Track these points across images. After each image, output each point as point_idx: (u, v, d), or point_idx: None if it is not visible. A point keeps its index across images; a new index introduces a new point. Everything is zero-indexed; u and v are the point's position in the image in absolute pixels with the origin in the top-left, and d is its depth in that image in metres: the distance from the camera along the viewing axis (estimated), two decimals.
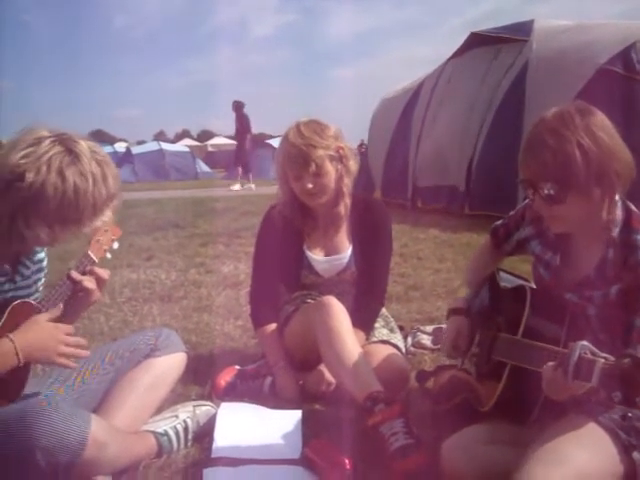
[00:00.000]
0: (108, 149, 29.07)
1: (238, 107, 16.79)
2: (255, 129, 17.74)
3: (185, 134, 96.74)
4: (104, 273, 2.08)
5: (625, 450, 1.66)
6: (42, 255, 2.14)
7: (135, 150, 27.70)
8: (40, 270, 2.14)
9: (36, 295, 2.10)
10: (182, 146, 33.93)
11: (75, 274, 2.03)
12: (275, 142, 21.25)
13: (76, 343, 1.97)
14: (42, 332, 1.91)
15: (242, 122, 16.91)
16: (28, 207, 1.81)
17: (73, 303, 2.05)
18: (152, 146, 28.73)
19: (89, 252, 2.11)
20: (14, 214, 1.82)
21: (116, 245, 2.23)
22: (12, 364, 1.83)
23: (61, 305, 1.99)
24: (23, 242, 1.89)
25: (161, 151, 27.11)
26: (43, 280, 2.17)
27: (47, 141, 1.84)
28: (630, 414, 1.64)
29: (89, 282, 2.04)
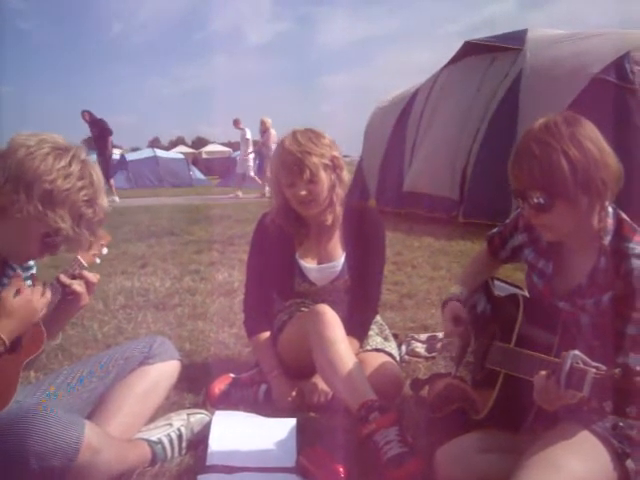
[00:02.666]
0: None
1: (89, 116, 15.99)
2: (251, 136, 17.59)
3: (180, 141, 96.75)
4: (93, 277, 2.08)
5: (618, 458, 1.67)
6: (31, 262, 2.14)
7: (130, 157, 27.67)
8: (29, 277, 2.14)
9: None
10: (177, 153, 33.93)
11: (64, 278, 2.03)
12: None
13: (39, 294, 1.95)
14: (12, 309, 1.88)
15: (98, 128, 16.07)
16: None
17: (63, 307, 2.05)
18: (147, 153, 28.72)
19: (79, 257, 2.12)
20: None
21: (105, 251, 2.23)
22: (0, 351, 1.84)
23: (48, 294, 1.97)
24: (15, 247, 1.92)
25: (155, 158, 27.09)
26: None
27: (71, 152, 1.91)
28: (621, 423, 1.65)
29: (78, 286, 2.04)
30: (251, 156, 17.08)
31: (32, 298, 1.92)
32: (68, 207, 1.89)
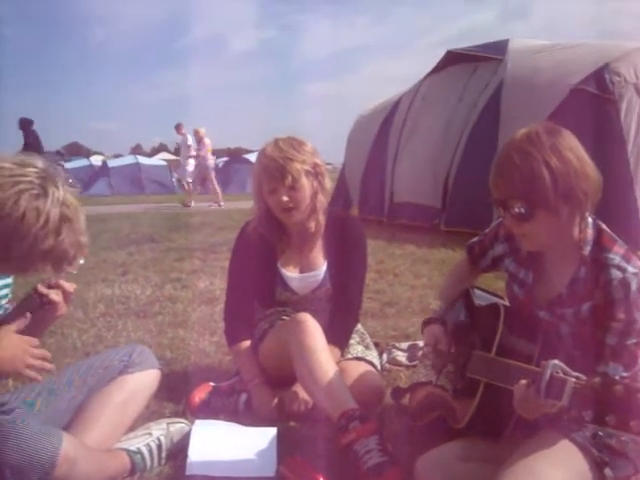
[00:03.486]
0: (84, 162, 28.94)
1: (25, 124, 15.26)
2: (232, 144, 17.59)
3: (162, 148, 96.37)
4: (70, 287, 2.06)
5: (597, 466, 1.68)
6: (7, 281, 2.12)
7: (111, 163, 27.53)
8: (6, 286, 2.11)
9: (2, 310, 2.08)
10: (159, 160, 33.80)
11: (41, 287, 2.01)
12: (252, 157, 21.26)
13: (42, 355, 1.93)
14: (9, 343, 1.87)
15: (31, 139, 15.28)
16: None
17: (39, 317, 2.03)
18: (129, 160, 28.57)
19: None
20: None
21: (82, 260, 2.20)
22: None
23: (28, 315, 1.95)
24: None
25: (138, 165, 26.96)
26: (10, 296, 2.14)
27: (31, 169, 1.82)
28: (600, 433, 1.65)
29: (55, 295, 2.01)
30: (190, 161, 16.83)
31: (26, 349, 1.89)
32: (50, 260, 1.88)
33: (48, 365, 1.95)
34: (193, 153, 16.74)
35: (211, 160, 17.02)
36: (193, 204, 16.90)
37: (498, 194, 1.84)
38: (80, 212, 1.92)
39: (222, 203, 16.72)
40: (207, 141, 16.60)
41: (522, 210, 1.79)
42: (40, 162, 1.87)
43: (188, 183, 17.40)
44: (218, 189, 17.33)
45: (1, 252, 1.81)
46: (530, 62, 8.13)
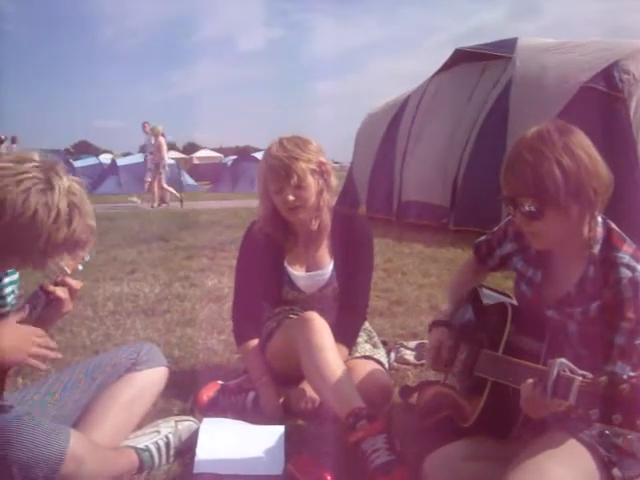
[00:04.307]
0: (93, 160, 29.00)
1: None
2: (241, 142, 17.54)
3: (171, 146, 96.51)
4: (76, 284, 2.07)
5: (605, 466, 1.68)
6: (11, 278, 2.13)
7: (120, 162, 27.57)
8: (13, 282, 2.12)
9: (9, 307, 2.09)
10: (168, 158, 33.81)
11: (47, 284, 2.02)
12: (260, 155, 21.23)
13: (46, 344, 1.95)
14: (12, 334, 1.88)
15: None
16: None
17: (46, 313, 2.04)
18: (138, 158, 28.58)
19: (61, 263, 2.10)
20: None
21: (88, 257, 2.21)
22: None
23: (27, 306, 1.96)
24: None
25: (147, 163, 26.99)
26: (16, 292, 2.15)
27: (31, 164, 1.81)
28: (607, 431, 1.65)
29: (62, 292, 2.02)
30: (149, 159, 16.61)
31: (30, 338, 1.91)
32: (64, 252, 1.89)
33: (52, 353, 1.97)
34: (149, 151, 16.61)
35: (165, 159, 16.64)
36: (159, 204, 16.60)
37: (508, 192, 1.84)
38: (85, 196, 1.92)
39: (155, 205, 16.41)
40: (161, 140, 16.31)
41: (532, 208, 1.78)
42: (36, 154, 1.87)
43: (146, 181, 17.21)
44: (169, 189, 17.10)
45: (17, 251, 1.83)
46: (539, 60, 8.10)
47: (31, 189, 1.76)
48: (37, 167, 1.82)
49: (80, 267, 2.16)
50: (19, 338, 1.89)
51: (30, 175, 1.78)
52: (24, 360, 1.91)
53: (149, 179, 16.92)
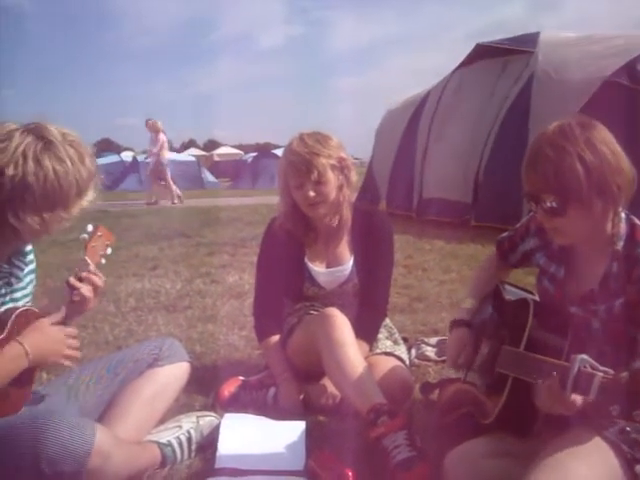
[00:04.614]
0: (115, 158, 29.20)
1: None
2: (261, 139, 17.38)
3: (191, 143, 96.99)
4: (99, 281, 2.09)
5: (628, 464, 1.66)
6: (32, 257, 2.16)
7: (142, 159, 27.75)
8: (32, 272, 2.15)
9: (29, 297, 2.12)
10: (188, 155, 33.99)
11: (73, 280, 2.04)
12: (280, 152, 21.25)
13: (76, 345, 2.02)
14: (47, 335, 1.94)
15: None
16: (14, 201, 1.82)
17: (70, 309, 2.07)
18: None
19: (86, 257, 2.13)
20: (2, 209, 1.83)
21: (110, 250, 2.23)
22: (23, 366, 1.86)
23: (64, 309, 2.01)
24: (16, 235, 1.92)
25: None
26: (34, 282, 2.18)
27: (17, 133, 1.85)
28: (628, 428, 1.64)
29: (87, 291, 2.05)
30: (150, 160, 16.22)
31: (64, 341, 1.97)
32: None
33: (79, 354, 2.04)
34: (149, 148, 16.17)
35: (166, 156, 16.11)
36: (156, 201, 16.27)
37: (530, 188, 1.82)
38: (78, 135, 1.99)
39: (176, 201, 16.12)
40: (162, 137, 15.86)
41: (554, 204, 1.77)
42: (11, 124, 1.90)
43: (147, 176, 16.88)
44: (173, 187, 16.52)
45: (62, 204, 1.90)
46: (561, 54, 8.03)
47: (37, 153, 1.83)
48: (25, 132, 1.86)
49: (103, 261, 2.19)
50: (54, 339, 1.95)
51: (26, 142, 1.84)
52: (59, 361, 1.99)
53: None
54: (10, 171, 1.79)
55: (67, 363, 2.01)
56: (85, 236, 2.15)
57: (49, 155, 1.84)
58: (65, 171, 1.86)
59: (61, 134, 1.91)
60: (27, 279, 2.11)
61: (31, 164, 1.81)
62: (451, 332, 2.28)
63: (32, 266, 2.16)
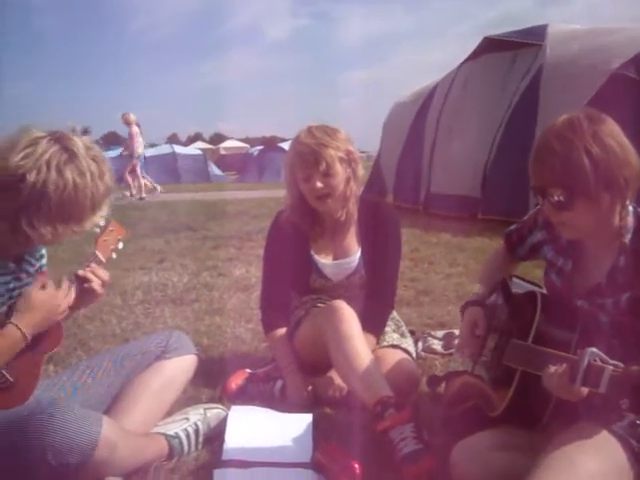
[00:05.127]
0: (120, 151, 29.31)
1: None
2: (267, 132, 17.30)
3: (197, 137, 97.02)
4: (105, 275, 2.11)
5: (636, 458, 1.66)
6: (43, 251, 2.18)
7: (147, 153, 27.75)
8: (42, 256, 2.17)
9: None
10: (194, 149, 34.03)
11: (82, 273, 2.06)
12: (286, 145, 21.23)
13: (69, 302, 2.01)
14: (36, 304, 1.93)
15: None
16: (30, 208, 1.84)
17: (78, 300, 2.08)
18: (165, 149, 28.81)
19: (96, 252, 2.14)
20: (17, 214, 1.85)
21: (121, 245, 2.25)
22: (21, 346, 1.89)
23: (45, 269, 2.06)
24: (28, 241, 1.94)
25: (174, 154, 27.19)
26: (45, 268, 2.19)
27: (44, 141, 1.88)
28: (638, 421, 1.63)
29: (97, 285, 2.06)
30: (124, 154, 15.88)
31: (57, 295, 1.97)
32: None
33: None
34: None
35: (139, 149, 15.79)
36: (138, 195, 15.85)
37: (537, 182, 1.81)
38: (93, 143, 2.02)
39: (144, 195, 15.81)
40: (135, 129, 15.51)
41: (561, 198, 1.76)
42: (35, 130, 1.93)
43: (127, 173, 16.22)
44: (142, 181, 16.14)
45: (75, 216, 1.92)
46: (569, 47, 7.99)
47: (60, 164, 1.85)
48: (51, 141, 1.89)
49: (114, 255, 2.20)
50: (43, 304, 1.95)
51: (51, 151, 1.86)
52: (57, 319, 2.01)
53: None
54: (32, 177, 1.82)
55: (64, 315, 2.02)
56: (97, 230, 2.16)
57: (71, 167, 1.87)
58: (84, 184, 1.88)
59: (85, 147, 1.93)
60: (39, 263, 2.13)
61: (53, 173, 1.84)
62: (464, 313, 2.27)
63: (43, 261, 2.17)
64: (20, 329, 1.87)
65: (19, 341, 1.88)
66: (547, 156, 1.76)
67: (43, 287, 1.96)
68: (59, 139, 1.90)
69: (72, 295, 2.02)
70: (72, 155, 1.88)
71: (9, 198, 1.83)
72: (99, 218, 2.01)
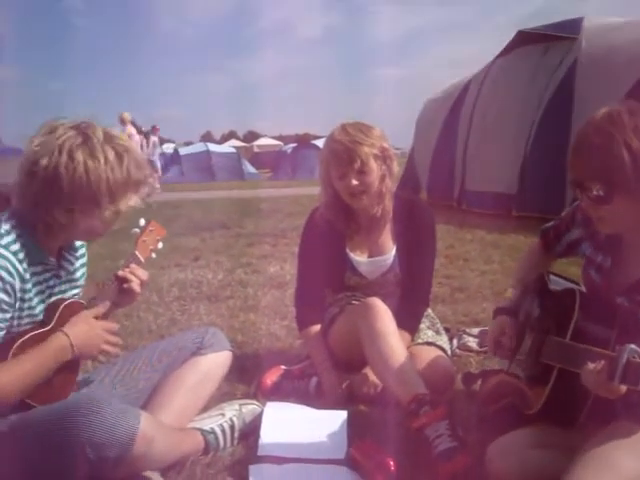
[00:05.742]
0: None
1: None
2: (301, 130, 17.32)
3: (231, 135, 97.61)
4: (143, 275, 2.13)
5: None
6: (83, 250, 2.20)
7: (182, 151, 28.09)
8: (83, 265, 2.19)
9: (79, 290, 2.15)
10: (228, 147, 34.25)
11: (122, 273, 2.08)
12: (320, 142, 21.30)
13: (116, 342, 2.05)
14: (89, 328, 1.97)
15: None
16: (44, 192, 1.85)
17: (116, 301, 2.10)
18: (199, 147, 29.10)
19: (136, 252, 2.16)
20: (37, 202, 1.87)
21: (161, 245, 2.28)
22: (67, 357, 1.91)
23: (107, 303, 2.04)
24: (65, 232, 1.96)
25: (208, 152, 27.43)
26: (85, 275, 2.22)
27: (61, 128, 1.89)
28: None
29: (136, 285, 2.09)
30: None
31: (107, 338, 2.01)
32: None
33: (118, 351, 2.10)
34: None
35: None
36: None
37: (575, 176, 1.79)
38: (127, 139, 2.03)
39: None
40: (129, 129, 15.01)
41: (600, 192, 1.73)
42: (61, 120, 1.94)
43: None
44: None
45: (93, 201, 1.90)
46: (605, 40, 7.88)
47: (72, 147, 1.85)
48: (69, 127, 1.90)
49: (154, 255, 2.23)
50: (94, 333, 1.98)
51: (65, 136, 1.87)
52: (94, 355, 2.04)
53: None
54: (44, 161, 1.83)
55: (101, 359, 2.07)
56: (136, 230, 2.19)
57: (83, 149, 1.86)
58: (95, 167, 1.86)
59: (107, 135, 1.93)
60: (78, 273, 2.15)
61: (65, 156, 1.84)
62: (493, 320, 2.26)
63: (83, 260, 2.20)
64: (71, 341, 1.90)
65: (67, 351, 1.90)
66: (586, 150, 1.74)
67: (97, 317, 2.00)
68: (78, 126, 1.91)
69: (114, 339, 2.05)
70: (86, 139, 1.88)
71: (30, 186, 1.86)
72: (124, 206, 1.97)
